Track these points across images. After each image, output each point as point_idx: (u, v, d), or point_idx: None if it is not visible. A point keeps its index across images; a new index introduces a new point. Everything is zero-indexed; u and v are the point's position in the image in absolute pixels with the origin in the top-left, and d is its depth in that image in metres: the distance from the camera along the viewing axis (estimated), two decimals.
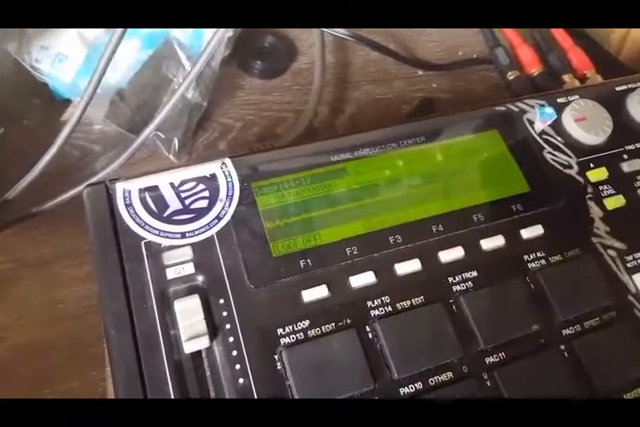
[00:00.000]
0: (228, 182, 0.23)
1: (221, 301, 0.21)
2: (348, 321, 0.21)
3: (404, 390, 0.20)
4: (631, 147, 0.27)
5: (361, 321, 0.21)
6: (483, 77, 0.40)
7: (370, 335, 0.21)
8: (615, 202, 0.26)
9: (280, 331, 0.21)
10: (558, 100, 0.28)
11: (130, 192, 0.23)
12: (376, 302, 0.22)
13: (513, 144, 0.26)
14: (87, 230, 0.22)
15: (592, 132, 0.27)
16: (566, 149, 0.27)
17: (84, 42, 0.32)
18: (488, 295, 0.22)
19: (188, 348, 0.20)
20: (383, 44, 0.37)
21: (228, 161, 0.24)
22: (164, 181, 0.23)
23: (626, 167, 0.27)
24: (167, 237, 0.22)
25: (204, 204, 0.23)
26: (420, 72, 0.39)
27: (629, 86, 0.29)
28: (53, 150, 0.27)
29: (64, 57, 0.32)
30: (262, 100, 0.37)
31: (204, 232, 0.22)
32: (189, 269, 0.21)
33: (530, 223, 0.24)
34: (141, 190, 0.23)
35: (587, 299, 0.23)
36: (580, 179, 0.26)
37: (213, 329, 0.20)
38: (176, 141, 0.33)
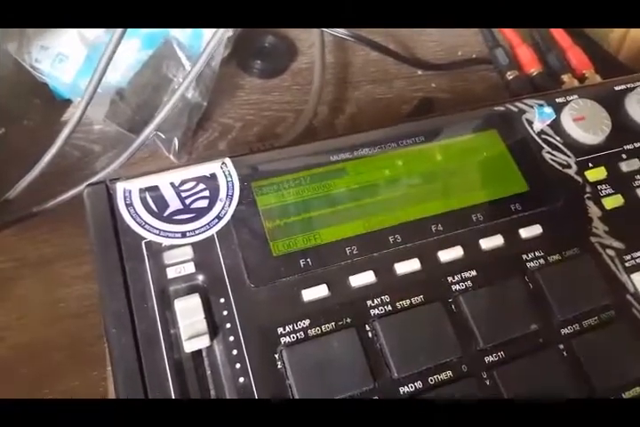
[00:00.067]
0: (228, 182, 0.23)
1: (222, 300, 0.21)
2: (348, 320, 0.21)
3: (403, 389, 0.20)
4: (630, 146, 0.27)
5: (361, 320, 0.21)
6: (482, 77, 0.40)
7: (369, 334, 0.21)
8: (614, 201, 0.26)
9: (280, 330, 0.21)
10: (557, 100, 0.28)
11: (130, 192, 0.23)
12: (376, 302, 0.22)
13: (512, 144, 0.26)
14: (88, 230, 0.22)
15: (591, 132, 0.27)
16: (565, 149, 0.27)
17: (84, 42, 0.32)
18: (487, 295, 0.22)
19: (189, 347, 0.20)
20: (383, 44, 0.38)
21: (228, 161, 0.24)
22: (164, 180, 0.23)
23: (624, 167, 0.27)
24: (167, 236, 0.22)
25: (204, 203, 0.23)
26: (420, 72, 0.39)
27: (628, 86, 0.29)
28: (54, 150, 0.27)
29: (64, 57, 0.32)
30: (262, 100, 0.37)
31: (204, 232, 0.22)
32: (190, 268, 0.21)
33: (529, 223, 0.24)
34: (142, 190, 0.23)
35: (585, 298, 0.23)
36: (579, 178, 0.26)
37: (214, 328, 0.21)
38: (176, 141, 0.33)
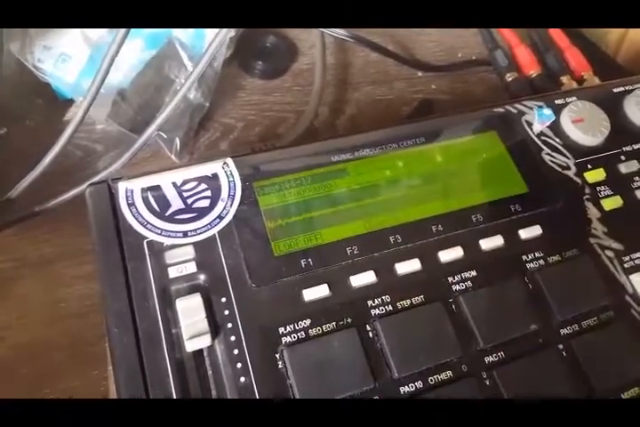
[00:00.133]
0: (229, 182, 0.24)
1: (223, 299, 0.21)
2: (349, 320, 0.21)
3: (403, 389, 0.21)
4: (628, 148, 0.28)
5: (361, 320, 0.22)
6: (481, 79, 0.40)
7: (370, 334, 0.21)
8: (612, 203, 0.26)
9: (281, 330, 0.21)
10: (556, 102, 0.28)
11: (132, 191, 0.23)
12: (376, 302, 0.22)
13: (511, 145, 0.26)
14: (89, 230, 0.22)
15: (590, 134, 0.27)
16: (564, 151, 0.27)
17: (87, 42, 0.32)
18: (487, 295, 0.23)
19: (190, 346, 0.20)
20: (382, 44, 0.38)
21: (229, 161, 0.24)
22: (166, 180, 0.23)
23: (623, 168, 0.27)
24: (169, 236, 0.22)
25: (205, 203, 0.23)
26: (420, 73, 0.40)
27: (627, 88, 0.29)
28: (56, 150, 0.27)
29: (67, 57, 0.32)
30: (263, 101, 0.37)
31: (205, 231, 0.22)
32: (191, 268, 0.22)
33: (528, 224, 0.24)
34: (144, 190, 0.23)
35: (584, 299, 0.23)
36: (578, 180, 0.26)
37: (215, 328, 0.21)
38: (178, 141, 0.33)
